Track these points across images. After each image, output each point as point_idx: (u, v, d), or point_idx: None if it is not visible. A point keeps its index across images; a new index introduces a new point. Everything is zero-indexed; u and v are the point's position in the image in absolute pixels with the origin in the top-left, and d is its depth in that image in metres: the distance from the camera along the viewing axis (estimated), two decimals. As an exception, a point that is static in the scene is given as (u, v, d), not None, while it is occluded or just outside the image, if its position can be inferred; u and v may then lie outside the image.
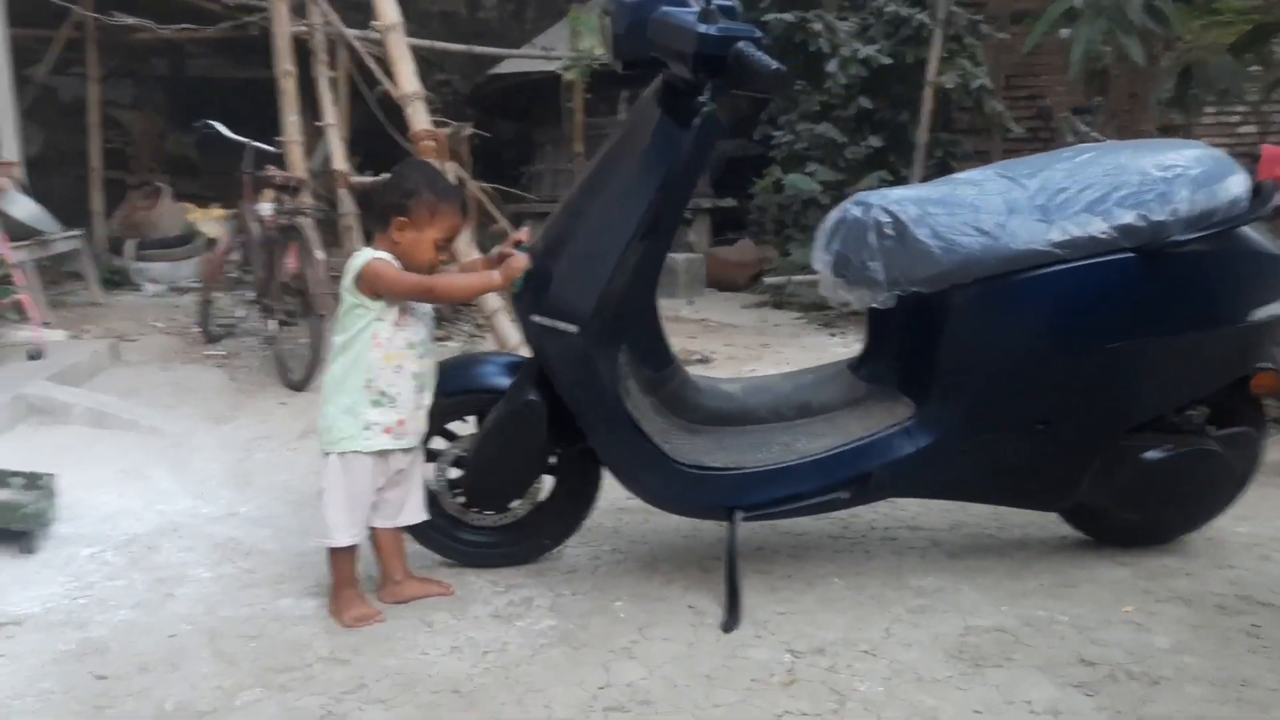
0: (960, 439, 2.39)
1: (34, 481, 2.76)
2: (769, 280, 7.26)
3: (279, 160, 5.23)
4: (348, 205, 5.55)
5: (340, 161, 5.56)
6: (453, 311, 5.73)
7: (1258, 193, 2.37)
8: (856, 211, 2.43)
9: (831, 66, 6.90)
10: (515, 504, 2.49)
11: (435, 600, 2.36)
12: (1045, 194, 2.34)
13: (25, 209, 5.38)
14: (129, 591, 2.42)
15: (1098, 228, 2.28)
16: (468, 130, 5.80)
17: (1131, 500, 2.55)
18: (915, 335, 2.48)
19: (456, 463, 2.47)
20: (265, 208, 4.84)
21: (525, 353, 2.44)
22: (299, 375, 4.46)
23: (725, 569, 2.35)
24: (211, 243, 6.87)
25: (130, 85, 9.92)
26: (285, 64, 5.40)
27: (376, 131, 6.19)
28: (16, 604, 2.33)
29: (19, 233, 5.09)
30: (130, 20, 7.07)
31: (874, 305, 2.44)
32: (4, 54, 6.02)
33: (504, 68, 8.57)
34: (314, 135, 5.95)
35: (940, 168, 6.88)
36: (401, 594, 2.35)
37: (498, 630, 2.22)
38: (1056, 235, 2.29)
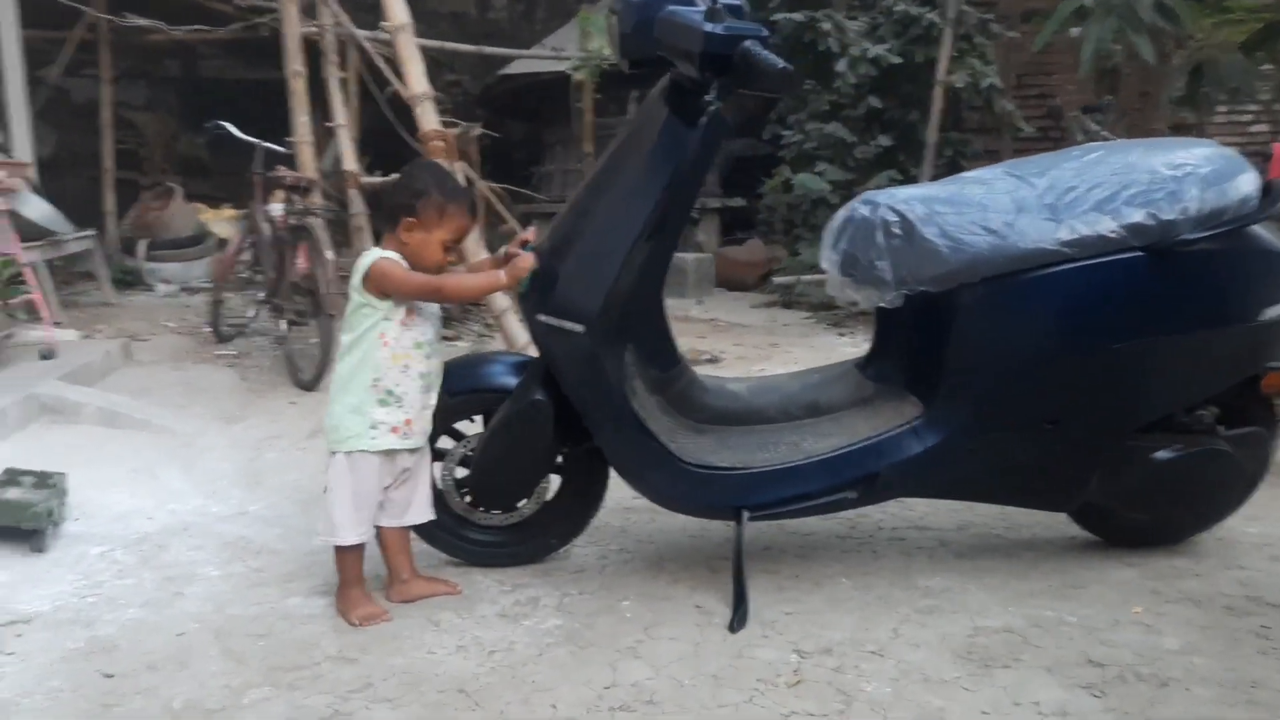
0: (968, 439, 2.39)
1: (44, 480, 2.77)
2: (778, 280, 7.25)
3: (289, 161, 5.24)
4: (358, 205, 5.57)
5: (350, 162, 5.57)
6: (462, 311, 5.74)
7: (1268, 191, 2.36)
8: (864, 210, 2.42)
9: (841, 66, 6.89)
10: (522, 503, 2.50)
11: (442, 599, 2.36)
12: (1054, 193, 2.33)
13: (38, 209, 5.40)
14: (138, 590, 2.43)
15: (1107, 226, 2.27)
16: (476, 130, 5.81)
17: (1141, 500, 2.54)
18: (923, 334, 2.48)
19: (463, 462, 2.48)
20: (276, 208, 4.86)
21: (533, 352, 2.44)
22: (309, 375, 4.47)
23: (732, 569, 2.35)
24: (223, 243, 6.90)
25: (143, 86, 9.96)
26: (295, 65, 5.41)
27: (387, 132, 6.21)
28: (26, 602, 2.34)
29: (32, 233, 5.11)
30: (142, 21, 7.10)
31: (881, 304, 2.43)
32: (17, 55, 6.05)
33: (513, 68, 8.58)
34: (325, 136, 5.97)
35: (950, 167, 6.85)
36: (409, 593, 2.36)
37: (504, 629, 2.23)
38: (1065, 234, 2.28)
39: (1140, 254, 2.28)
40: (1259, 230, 2.36)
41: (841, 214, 2.50)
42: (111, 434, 3.67)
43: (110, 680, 2.01)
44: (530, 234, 2.39)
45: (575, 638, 2.19)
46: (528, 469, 2.44)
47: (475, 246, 4.21)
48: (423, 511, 2.39)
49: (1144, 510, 2.58)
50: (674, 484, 2.37)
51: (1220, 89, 4.74)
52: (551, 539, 2.56)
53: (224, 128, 5.22)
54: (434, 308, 2.34)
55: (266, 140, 5.19)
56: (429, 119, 4.28)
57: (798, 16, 7.02)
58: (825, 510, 2.45)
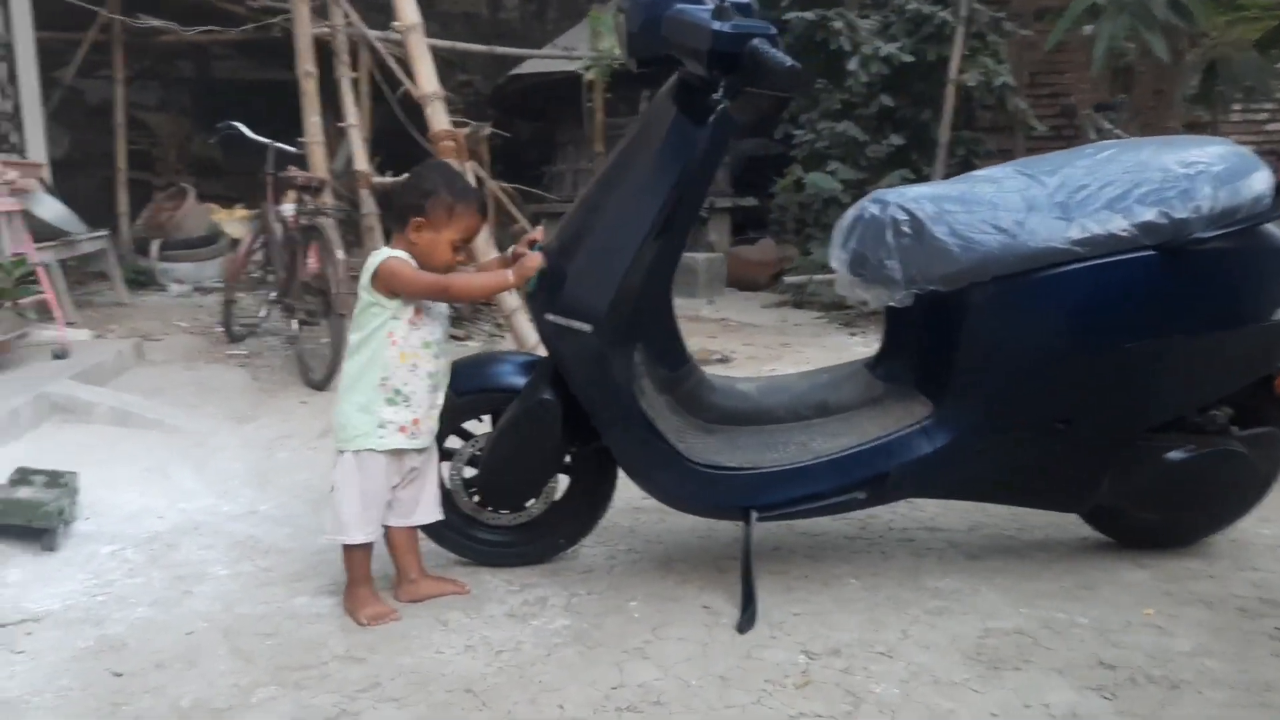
0: (978, 439, 2.37)
1: (55, 479, 2.79)
2: (790, 279, 7.23)
3: (301, 161, 5.26)
4: (369, 205, 5.58)
5: (362, 162, 5.59)
6: (472, 311, 5.74)
7: (1282, 190, 2.33)
8: (874, 209, 2.41)
9: (853, 65, 6.87)
10: (530, 503, 2.49)
11: (450, 599, 2.36)
12: (1065, 191, 2.32)
13: (51, 210, 5.44)
14: (148, 589, 2.44)
15: (1118, 225, 2.25)
16: (486, 130, 5.82)
17: (1153, 501, 2.52)
18: (933, 334, 2.46)
19: (471, 462, 2.47)
20: (287, 208, 4.88)
21: (543, 352, 2.43)
22: (320, 375, 4.48)
23: (741, 569, 2.34)
24: (235, 243, 6.93)
25: (156, 87, 10.02)
26: (306, 65, 5.43)
27: (398, 132, 6.23)
28: (37, 601, 2.35)
29: (45, 233, 5.14)
30: (156, 22, 7.14)
31: (891, 304, 2.42)
32: (31, 57, 6.08)
33: (525, 68, 8.59)
34: (336, 136, 5.99)
35: (963, 166, 6.83)
36: (417, 592, 2.36)
37: (512, 629, 2.22)
38: (1076, 233, 2.26)
39: (1152, 253, 2.26)
40: (1273, 229, 2.34)
41: (851, 213, 2.49)
42: (123, 433, 3.68)
43: (119, 679, 2.01)
44: (538, 233, 2.38)
45: (583, 638, 2.18)
46: (536, 469, 2.44)
47: (486, 246, 4.21)
48: (431, 511, 2.39)
49: (1156, 511, 2.56)
50: (682, 484, 2.36)
51: (1235, 87, 4.70)
52: (560, 539, 2.56)
53: (235, 128, 5.24)
54: (442, 307, 2.34)
55: (279, 140, 5.21)
56: (439, 119, 4.28)
57: (809, 15, 7.01)
58: (834, 511, 2.44)
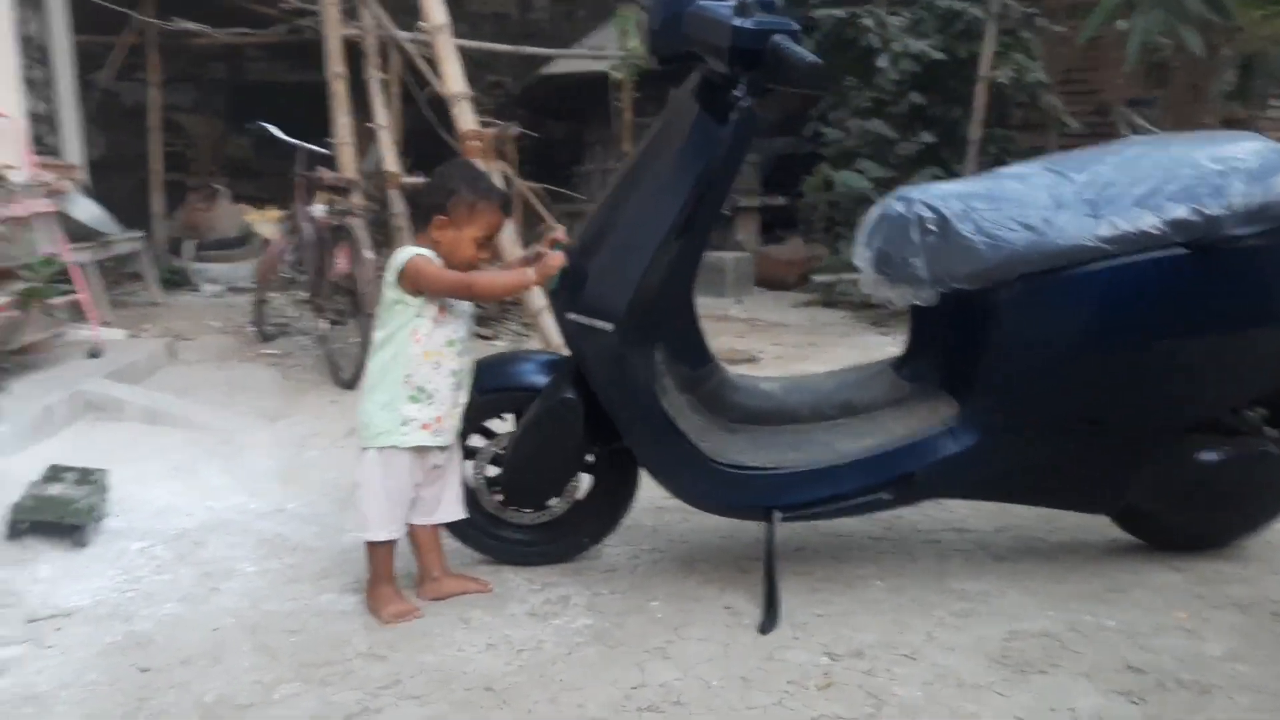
0: (1005, 439, 2.35)
1: (86, 477, 2.83)
2: (818, 279, 7.19)
3: (330, 162, 5.30)
4: (398, 206, 5.61)
5: (391, 163, 5.62)
6: (499, 311, 5.76)
7: (1318, 186, 2.28)
8: (898, 207, 2.39)
9: (882, 62, 6.82)
10: (553, 502, 2.49)
11: (473, 597, 2.37)
12: (1094, 188, 2.29)
13: (87, 211, 5.52)
14: (175, 585, 2.46)
15: (1149, 222, 2.22)
16: (513, 130, 5.83)
17: (1185, 503, 2.49)
18: (959, 333, 2.44)
19: (494, 460, 2.48)
20: (317, 209, 4.91)
21: (568, 351, 2.44)
22: (349, 373, 4.51)
23: (763, 570, 2.33)
24: (268, 243, 6.99)
25: (191, 90, 10.13)
26: (336, 66, 5.47)
27: (428, 133, 6.25)
28: (67, 597, 2.38)
29: (81, 234, 5.22)
30: (189, 25, 7.23)
31: (916, 303, 2.40)
32: (68, 60, 6.17)
33: (553, 68, 8.60)
34: (366, 137, 6.02)
35: (995, 164, 6.72)
36: (440, 591, 2.37)
37: (533, 628, 2.22)
38: (1105, 230, 2.23)
39: (1184, 250, 2.22)
40: (1308, 226, 2.29)
41: (875, 211, 2.47)
42: (155, 431, 3.72)
43: (145, 674, 2.04)
44: (560, 232, 2.38)
45: (604, 637, 2.18)
46: (558, 467, 2.44)
47: (512, 245, 4.22)
48: (454, 509, 2.40)
49: (1189, 513, 2.52)
50: (704, 484, 2.35)
51: (1272, 82, 4.62)
52: (582, 538, 2.56)
53: (266, 129, 5.29)
54: (466, 306, 2.35)
55: (310, 141, 5.25)
56: (466, 119, 4.30)
57: (839, 12, 6.97)
58: (859, 511, 2.42)
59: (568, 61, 8.37)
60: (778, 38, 2.01)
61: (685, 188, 2.20)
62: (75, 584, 2.45)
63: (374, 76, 5.78)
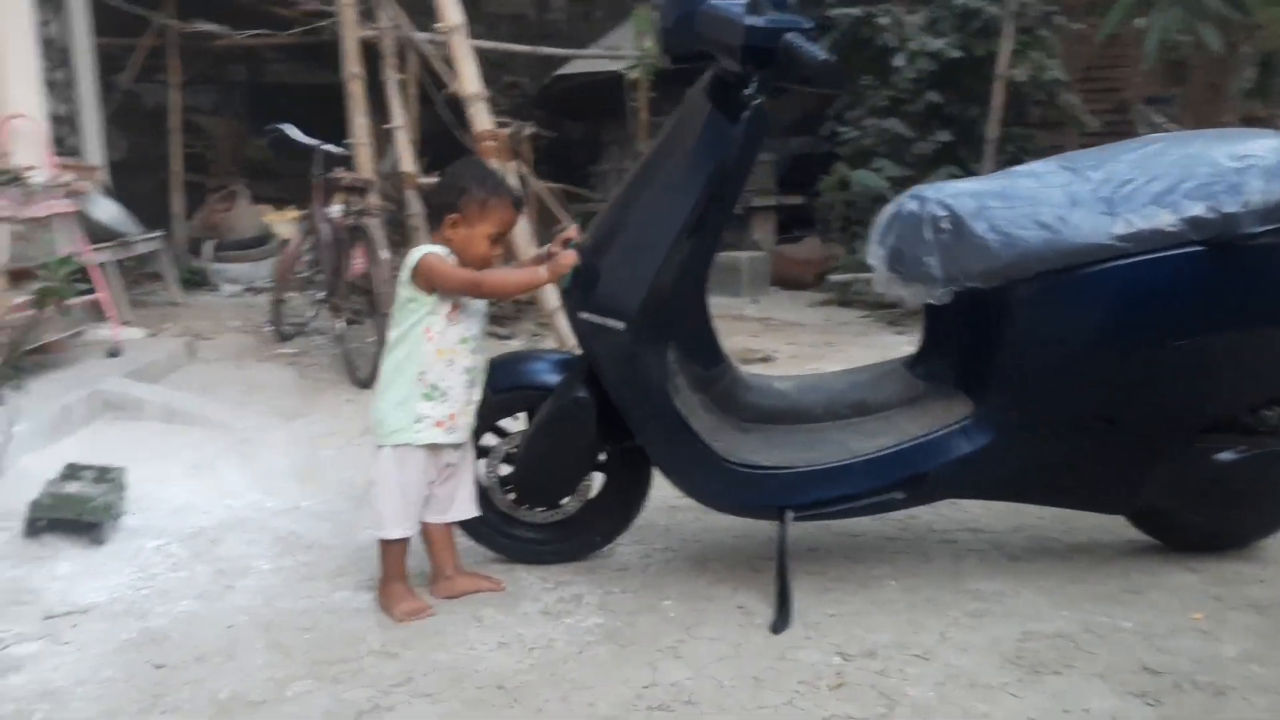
0: (1019, 438, 2.33)
1: (104, 475, 2.85)
2: (835, 278, 7.17)
3: (348, 162, 5.32)
4: (415, 206, 5.63)
5: (408, 163, 5.64)
6: (515, 310, 5.77)
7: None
8: (911, 205, 2.38)
9: (899, 61, 6.78)
10: (565, 501, 2.49)
11: (486, 595, 2.37)
12: (1110, 186, 2.27)
13: (107, 212, 5.56)
14: (191, 583, 2.48)
15: (1165, 220, 2.20)
16: (529, 130, 5.84)
17: (1203, 504, 2.46)
18: (973, 332, 2.43)
19: (507, 459, 2.48)
20: (334, 209, 4.94)
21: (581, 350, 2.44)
22: (366, 373, 4.53)
23: (776, 569, 2.32)
24: (287, 244, 7.03)
25: (210, 91, 10.19)
26: (353, 67, 5.49)
27: (445, 134, 6.27)
28: (84, 594, 2.40)
29: (101, 235, 5.26)
30: (209, 27, 7.27)
31: (930, 301, 2.39)
32: (89, 62, 6.22)
33: (570, 68, 8.61)
34: (384, 138, 6.05)
35: (1012, 163, 6.67)
36: (453, 589, 2.37)
37: (545, 627, 2.23)
38: (1121, 228, 2.21)
39: (1200, 249, 2.20)
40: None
41: (889, 209, 2.46)
42: (172, 430, 3.75)
43: (160, 671, 2.05)
44: (573, 231, 2.39)
45: (616, 636, 2.18)
46: (570, 466, 2.44)
47: (528, 245, 4.23)
48: (467, 508, 2.40)
49: (1206, 514, 2.50)
50: (716, 483, 2.35)
51: (1293, 80, 4.57)
52: (595, 537, 2.56)
53: (283, 130, 5.31)
54: (480, 304, 2.36)
55: (328, 142, 5.27)
56: (481, 119, 4.31)
57: (855, 11, 6.94)
58: (872, 511, 2.41)
59: (584, 62, 8.38)
60: (790, 36, 2.00)
61: (697, 186, 2.20)
62: (92, 581, 2.48)
63: (391, 77, 5.80)
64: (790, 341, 5.65)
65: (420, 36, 5.90)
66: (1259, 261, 2.23)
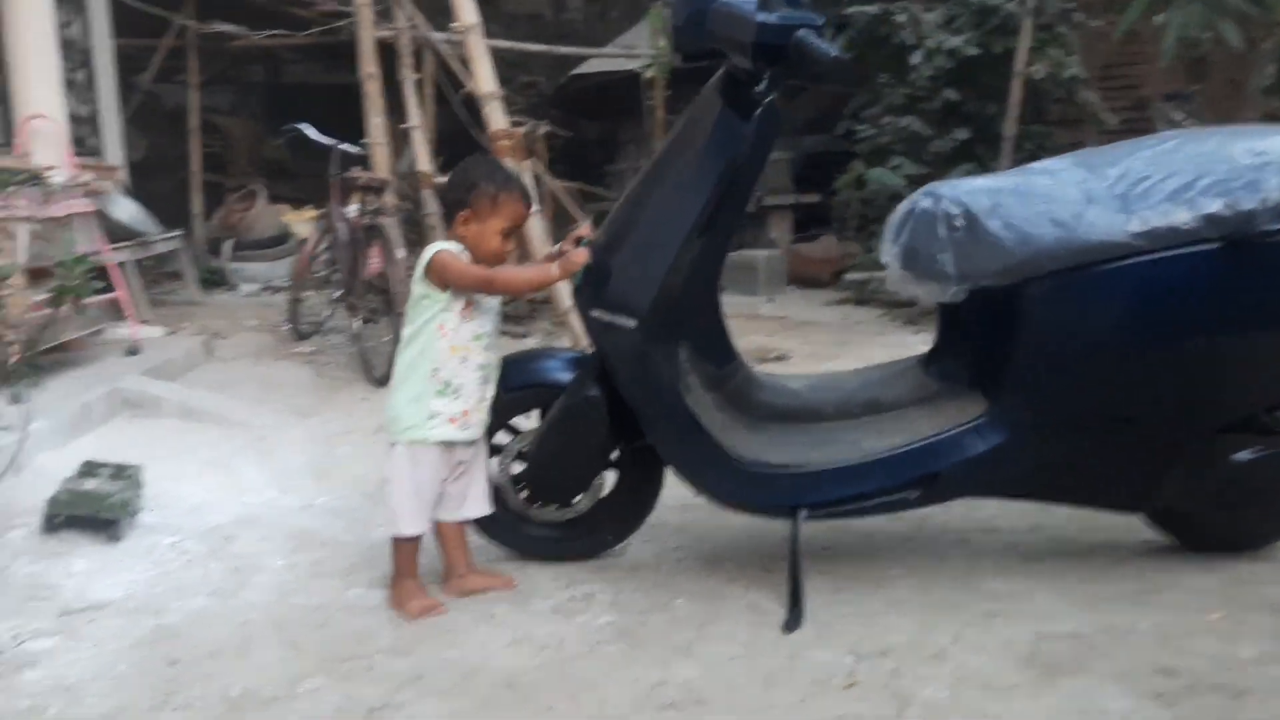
0: (1034, 437, 2.31)
1: (121, 472, 2.87)
2: (851, 277, 7.14)
3: (364, 162, 5.34)
4: (431, 205, 5.65)
5: (424, 162, 5.66)
6: (530, 309, 5.78)
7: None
8: (925, 203, 2.36)
9: (916, 58, 6.75)
10: (578, 499, 2.49)
11: (497, 593, 2.38)
12: (1125, 183, 2.25)
13: (127, 211, 5.60)
14: (205, 580, 2.49)
15: (1181, 217, 2.18)
16: (543, 129, 5.85)
17: (1220, 503, 2.43)
18: (987, 330, 2.41)
19: (520, 457, 2.48)
20: (351, 209, 4.96)
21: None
22: (381, 371, 4.54)
23: (788, 568, 2.31)
24: (304, 243, 7.07)
25: (229, 92, 10.27)
26: (369, 67, 5.51)
27: (462, 133, 6.29)
28: (100, 590, 2.42)
29: (121, 234, 5.30)
30: (227, 27, 7.32)
31: (943, 300, 2.37)
32: (109, 63, 6.27)
33: (587, 67, 8.63)
34: (401, 137, 6.07)
35: (1030, 160, 6.64)
36: (465, 587, 2.38)
37: (557, 625, 2.23)
38: (1137, 225, 2.19)
39: (1217, 246, 2.18)
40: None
41: (903, 207, 2.45)
42: (190, 427, 3.78)
43: (173, 667, 2.06)
44: (586, 229, 2.39)
45: (627, 634, 2.18)
46: (582, 465, 2.44)
47: (543, 243, 4.24)
48: (479, 505, 2.41)
49: (1224, 513, 2.47)
50: (728, 482, 2.34)
51: (1315, 77, 4.51)
52: (607, 535, 2.56)
53: (300, 130, 5.34)
54: (494, 301, 2.36)
55: (345, 142, 5.30)
56: (497, 118, 4.32)
57: (872, 9, 6.91)
58: (885, 510, 2.40)
59: (601, 61, 8.39)
60: (801, 33, 2.00)
61: (708, 185, 2.19)
62: (108, 578, 2.49)
63: (408, 77, 5.83)
64: (806, 340, 5.63)
65: (437, 36, 5.92)
66: (1276, 259, 2.20)
